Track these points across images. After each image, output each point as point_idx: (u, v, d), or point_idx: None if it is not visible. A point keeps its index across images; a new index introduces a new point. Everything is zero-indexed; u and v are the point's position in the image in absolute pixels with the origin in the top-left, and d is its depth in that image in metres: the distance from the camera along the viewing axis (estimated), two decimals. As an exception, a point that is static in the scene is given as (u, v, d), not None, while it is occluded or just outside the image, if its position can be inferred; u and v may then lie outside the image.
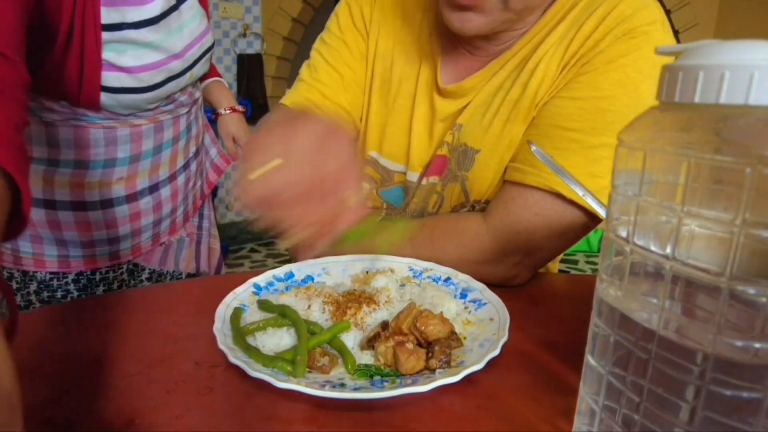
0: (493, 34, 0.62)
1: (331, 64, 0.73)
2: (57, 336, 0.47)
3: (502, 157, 0.63)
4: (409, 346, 0.41)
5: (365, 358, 0.43)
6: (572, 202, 0.55)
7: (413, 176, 0.72)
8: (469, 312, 0.49)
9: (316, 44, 0.76)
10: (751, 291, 0.21)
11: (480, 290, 0.51)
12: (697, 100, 0.22)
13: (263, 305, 0.49)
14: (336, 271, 0.58)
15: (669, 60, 0.62)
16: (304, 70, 0.75)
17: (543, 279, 0.65)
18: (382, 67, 0.72)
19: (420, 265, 0.57)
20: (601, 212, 0.45)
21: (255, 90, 2.91)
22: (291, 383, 0.36)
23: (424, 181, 0.71)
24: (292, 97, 0.74)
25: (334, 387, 0.37)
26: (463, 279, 0.54)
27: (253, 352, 0.41)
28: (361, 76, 0.74)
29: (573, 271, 2.78)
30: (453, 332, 0.44)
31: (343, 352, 0.42)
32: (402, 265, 0.58)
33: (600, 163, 0.55)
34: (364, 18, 0.72)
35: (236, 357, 0.39)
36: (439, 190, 0.70)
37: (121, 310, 0.53)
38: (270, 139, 0.41)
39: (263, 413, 0.36)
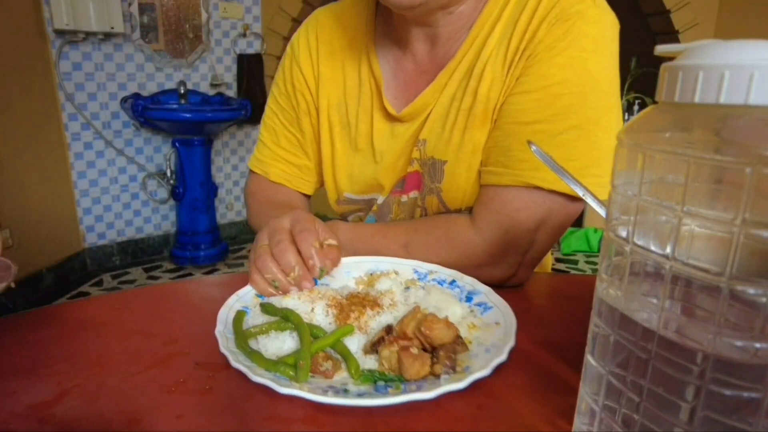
0: (433, 31, 0.63)
1: (287, 127, 0.78)
2: (57, 336, 0.47)
3: (469, 164, 0.64)
4: (414, 350, 0.40)
5: (369, 362, 0.42)
6: (550, 191, 0.56)
7: (383, 199, 0.74)
8: (475, 316, 0.48)
9: (270, 101, 0.80)
10: (751, 291, 0.21)
11: (485, 293, 0.50)
12: (697, 100, 0.22)
13: (266, 308, 0.48)
14: (339, 273, 0.56)
15: (611, 32, 0.63)
16: (263, 132, 0.80)
17: (542, 279, 0.65)
18: (339, 115, 0.74)
19: (424, 267, 0.56)
20: (600, 212, 0.45)
21: (255, 90, 2.91)
22: (294, 389, 0.35)
23: (404, 198, 0.72)
24: (255, 163, 0.81)
25: (337, 393, 0.36)
26: (468, 282, 0.53)
27: (255, 356, 0.40)
28: (313, 129, 0.77)
29: (573, 271, 2.78)
30: (458, 337, 0.43)
31: (346, 356, 0.41)
32: (406, 267, 0.57)
33: (570, 146, 0.55)
34: (306, 79, 0.74)
35: (238, 361, 0.38)
36: (420, 204, 0.71)
37: (121, 310, 0.53)
38: (264, 231, 0.55)
39: (263, 413, 0.36)
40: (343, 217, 0.82)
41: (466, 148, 0.63)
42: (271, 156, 0.79)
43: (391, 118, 0.69)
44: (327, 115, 0.74)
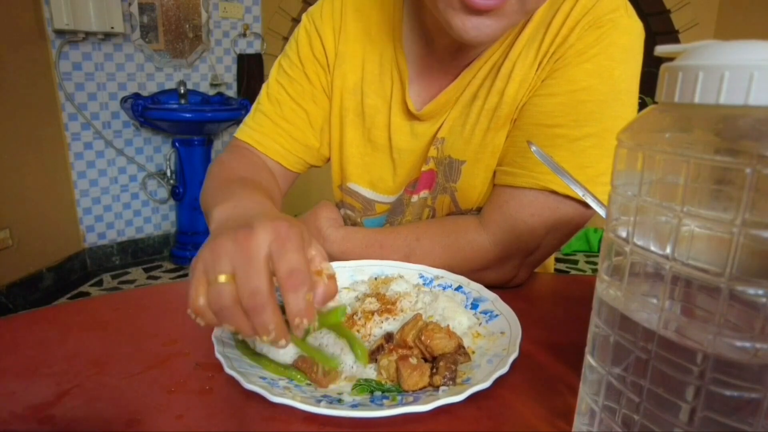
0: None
1: (296, 100, 0.70)
2: (57, 336, 0.47)
3: (487, 165, 0.63)
4: (413, 360, 0.39)
5: (368, 371, 0.41)
6: (565, 196, 0.55)
7: (395, 198, 0.72)
8: (480, 324, 0.47)
9: (275, 72, 0.72)
10: (751, 291, 0.21)
11: (492, 300, 0.49)
12: (697, 100, 0.22)
13: None
14: (343, 276, 0.55)
15: (639, 43, 0.62)
16: (264, 103, 0.71)
17: (543, 279, 0.65)
18: (354, 101, 0.70)
19: (430, 272, 0.55)
20: (600, 212, 0.45)
21: (255, 90, 2.91)
22: (286, 397, 0.35)
23: (414, 198, 0.70)
24: (250, 133, 0.70)
25: (331, 402, 0.36)
26: (474, 288, 0.52)
27: (263, 360, 0.40)
28: (326, 109, 0.72)
29: (573, 271, 2.78)
30: (461, 346, 0.42)
31: (350, 339, 0.40)
32: (411, 271, 0.55)
33: (586, 153, 0.55)
34: (326, 52, 0.69)
35: (232, 367, 0.38)
36: (430, 204, 0.70)
37: (122, 310, 0.53)
38: (225, 247, 0.35)
39: (263, 414, 0.36)
40: (342, 206, 0.79)
41: (487, 149, 0.62)
42: (271, 129, 0.70)
43: (410, 115, 0.67)
44: (340, 98, 0.71)
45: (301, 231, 0.37)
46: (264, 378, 0.39)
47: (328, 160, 0.77)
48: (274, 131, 0.70)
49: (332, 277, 0.37)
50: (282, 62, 0.72)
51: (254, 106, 0.73)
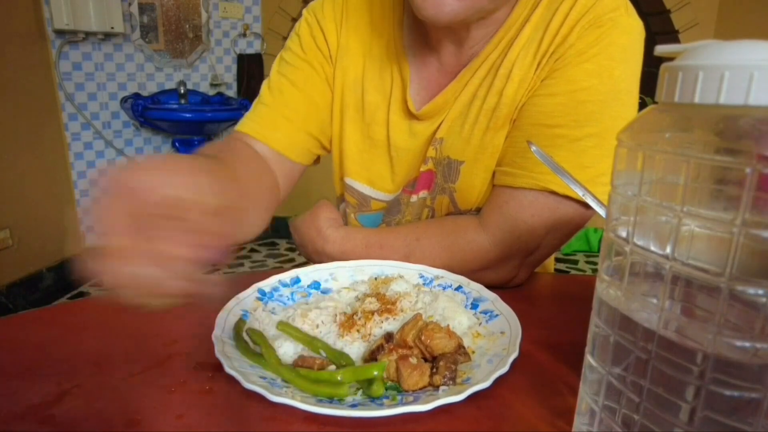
0: (464, 34, 0.61)
1: (297, 85, 0.69)
2: (57, 336, 0.47)
3: (486, 166, 0.63)
4: (413, 360, 0.39)
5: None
6: (565, 196, 0.55)
7: (392, 197, 0.72)
8: (480, 324, 0.47)
9: (276, 66, 0.71)
10: (751, 291, 0.21)
11: (492, 300, 0.49)
12: (697, 100, 0.22)
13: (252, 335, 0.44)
14: (344, 276, 0.56)
15: (639, 43, 0.61)
16: (265, 95, 0.70)
17: (543, 279, 0.65)
18: (354, 97, 0.70)
19: (430, 272, 0.55)
20: (600, 212, 0.45)
21: (255, 90, 2.89)
22: (286, 397, 0.35)
23: (414, 198, 0.70)
24: (250, 125, 0.68)
25: (331, 402, 0.36)
26: (474, 288, 0.52)
27: (263, 360, 0.40)
28: (328, 99, 0.71)
29: (573, 271, 2.78)
30: (461, 346, 0.42)
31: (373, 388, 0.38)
32: (411, 271, 0.55)
33: (587, 153, 0.55)
34: (329, 44, 0.69)
35: (232, 367, 0.38)
36: (429, 204, 0.69)
37: (122, 310, 0.53)
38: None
39: (263, 413, 0.36)
40: (342, 201, 0.79)
41: (486, 149, 0.62)
42: (272, 119, 0.68)
43: (409, 114, 0.67)
44: (340, 93, 0.70)
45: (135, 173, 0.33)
46: (264, 378, 0.39)
47: (329, 151, 0.77)
48: (275, 120, 0.68)
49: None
50: (284, 55, 0.72)
51: (255, 101, 0.72)
